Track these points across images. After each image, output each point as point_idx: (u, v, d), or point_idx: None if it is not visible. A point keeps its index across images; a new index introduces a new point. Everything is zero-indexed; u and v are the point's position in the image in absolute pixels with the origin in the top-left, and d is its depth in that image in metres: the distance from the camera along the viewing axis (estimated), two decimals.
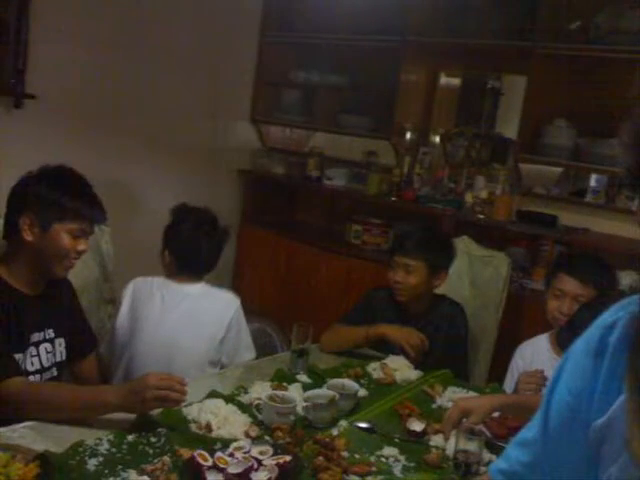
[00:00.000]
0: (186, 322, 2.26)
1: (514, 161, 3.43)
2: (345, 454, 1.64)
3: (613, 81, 3.15)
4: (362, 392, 2.02)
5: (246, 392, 1.93)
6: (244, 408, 1.79)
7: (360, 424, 1.82)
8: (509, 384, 2.29)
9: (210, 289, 2.35)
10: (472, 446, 1.58)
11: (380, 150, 3.93)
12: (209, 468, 1.42)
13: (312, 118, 4.20)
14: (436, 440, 1.76)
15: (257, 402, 1.81)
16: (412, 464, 1.66)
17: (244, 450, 1.50)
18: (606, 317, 0.88)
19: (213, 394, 1.83)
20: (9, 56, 3.09)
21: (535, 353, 2.33)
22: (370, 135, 3.89)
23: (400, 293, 2.43)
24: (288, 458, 1.48)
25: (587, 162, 3.08)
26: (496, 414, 1.80)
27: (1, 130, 3.09)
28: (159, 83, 3.63)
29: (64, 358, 1.95)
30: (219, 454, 1.46)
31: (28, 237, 1.79)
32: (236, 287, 3.63)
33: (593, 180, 3.29)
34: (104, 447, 1.53)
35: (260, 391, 1.88)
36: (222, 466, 1.42)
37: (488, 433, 1.76)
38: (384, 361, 2.26)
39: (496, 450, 1.66)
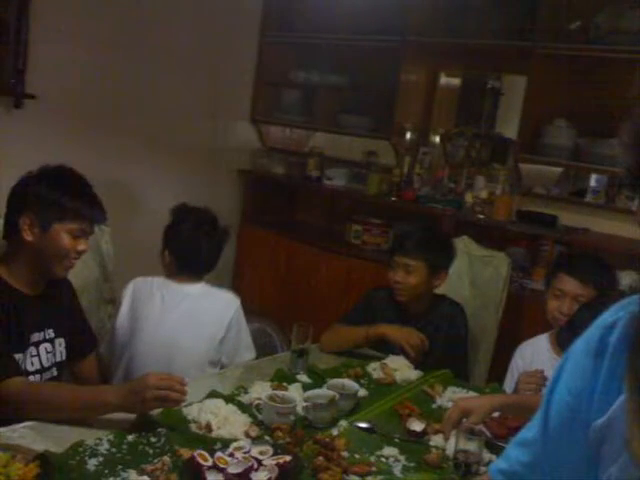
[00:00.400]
0: (186, 322, 2.26)
1: (514, 161, 3.42)
2: (345, 454, 1.64)
3: (613, 81, 3.14)
4: (362, 392, 2.02)
5: (246, 392, 1.92)
6: (244, 408, 1.79)
7: (360, 424, 1.82)
8: (509, 384, 2.29)
9: (210, 289, 2.35)
10: (472, 446, 1.58)
11: (380, 150, 3.92)
12: (209, 468, 1.42)
13: (312, 118, 4.20)
14: (436, 440, 1.76)
15: (257, 402, 1.81)
16: (412, 464, 1.66)
17: (244, 450, 1.50)
18: (606, 317, 0.88)
19: (213, 394, 1.83)
20: (9, 56, 3.09)
21: (535, 353, 2.33)
22: (370, 135, 3.89)
23: (400, 293, 2.43)
24: (288, 458, 1.48)
25: (587, 162, 3.08)
26: (496, 414, 1.80)
27: (1, 130, 3.09)
28: (159, 83, 3.63)
29: (64, 358, 1.95)
30: (219, 454, 1.46)
31: (28, 237, 1.79)
32: (236, 287, 3.63)
33: (593, 180, 3.29)
34: (104, 447, 1.53)
35: (260, 391, 1.88)
36: (222, 466, 1.42)
37: (488, 433, 1.76)
38: (384, 361, 2.26)
39: (496, 450, 1.66)
